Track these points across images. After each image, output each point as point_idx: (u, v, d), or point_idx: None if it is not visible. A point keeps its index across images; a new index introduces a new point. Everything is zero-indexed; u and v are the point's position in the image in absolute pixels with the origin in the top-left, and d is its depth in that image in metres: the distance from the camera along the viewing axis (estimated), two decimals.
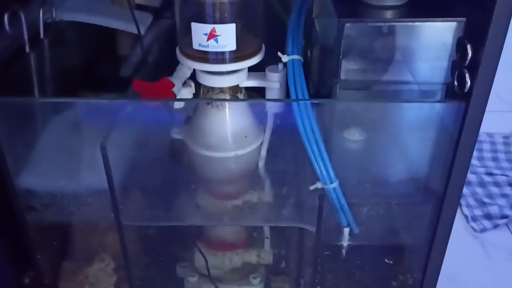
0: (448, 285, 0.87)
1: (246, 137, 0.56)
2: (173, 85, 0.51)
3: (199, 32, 0.51)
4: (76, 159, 0.51)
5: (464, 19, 0.44)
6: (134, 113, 0.52)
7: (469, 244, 1.02)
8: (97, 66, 0.71)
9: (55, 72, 0.59)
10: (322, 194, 0.51)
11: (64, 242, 0.58)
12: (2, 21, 0.51)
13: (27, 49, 0.53)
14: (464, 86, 0.44)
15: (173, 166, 0.59)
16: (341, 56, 0.44)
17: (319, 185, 0.51)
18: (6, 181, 0.48)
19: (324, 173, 0.49)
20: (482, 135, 1.34)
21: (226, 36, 0.51)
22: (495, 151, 1.30)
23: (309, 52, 0.68)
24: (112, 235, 0.58)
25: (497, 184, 1.19)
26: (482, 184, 1.18)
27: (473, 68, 0.43)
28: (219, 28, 0.51)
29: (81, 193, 0.52)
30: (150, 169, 0.58)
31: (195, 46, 0.52)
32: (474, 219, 1.08)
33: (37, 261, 0.55)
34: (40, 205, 0.51)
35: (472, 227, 1.06)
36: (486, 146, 1.31)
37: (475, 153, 1.28)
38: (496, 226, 1.07)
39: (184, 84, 0.56)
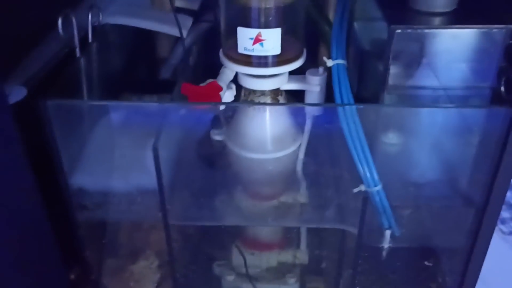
0: (480, 286, 0.87)
1: (293, 140, 0.57)
2: (221, 88, 0.52)
3: (245, 36, 0.52)
4: (126, 159, 0.52)
5: None
6: (181, 115, 0.53)
7: (499, 246, 1.02)
8: (137, 68, 0.72)
9: (100, 74, 0.61)
10: (365, 197, 0.51)
11: (111, 240, 0.60)
12: (55, 24, 0.52)
13: (78, 53, 0.55)
14: None
15: (215, 167, 0.60)
16: (390, 62, 0.45)
17: (362, 187, 0.51)
18: (60, 181, 0.50)
19: (369, 176, 0.50)
20: None
21: (272, 41, 0.52)
22: None
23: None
24: (156, 233, 0.60)
25: None
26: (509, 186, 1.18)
27: None
28: (265, 33, 0.52)
29: (131, 192, 0.53)
30: (193, 170, 0.59)
31: (240, 50, 0.53)
32: (503, 221, 1.07)
33: (84, 257, 0.57)
34: (92, 204, 0.53)
35: (501, 230, 1.06)
36: None
37: None
38: None
39: (227, 86, 0.57)
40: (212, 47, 0.59)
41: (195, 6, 0.74)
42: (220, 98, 0.52)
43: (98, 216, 0.55)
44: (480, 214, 0.51)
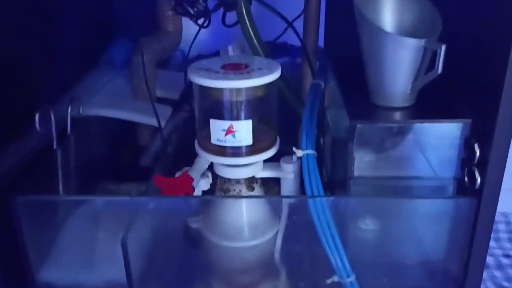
0: None
1: (263, 232, 0.57)
2: (193, 180, 0.52)
3: (217, 128, 0.54)
4: (96, 253, 0.52)
5: (470, 120, 0.46)
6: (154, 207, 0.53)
7: None
8: (117, 156, 0.73)
9: (78, 165, 0.62)
10: None
11: None
12: (33, 120, 0.54)
13: (55, 146, 0.56)
14: (475, 183, 0.45)
15: (190, 256, 0.59)
16: (353, 155, 0.46)
17: (336, 278, 0.51)
18: (27, 275, 0.49)
19: (341, 267, 0.50)
20: (497, 215, 1.32)
21: (243, 132, 0.54)
22: (510, 231, 1.28)
23: (321, 140, 0.70)
24: None
25: None
26: (500, 267, 1.16)
27: (482, 166, 0.45)
28: (237, 125, 0.54)
29: (100, 286, 0.52)
30: (167, 259, 0.58)
31: (213, 141, 0.55)
32: None
33: None
34: None
35: None
36: (502, 227, 1.29)
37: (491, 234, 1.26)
38: None
39: (202, 175, 0.58)
40: (191, 135, 0.60)
41: (175, 96, 0.77)
42: (192, 189, 0.53)
43: None
44: None
